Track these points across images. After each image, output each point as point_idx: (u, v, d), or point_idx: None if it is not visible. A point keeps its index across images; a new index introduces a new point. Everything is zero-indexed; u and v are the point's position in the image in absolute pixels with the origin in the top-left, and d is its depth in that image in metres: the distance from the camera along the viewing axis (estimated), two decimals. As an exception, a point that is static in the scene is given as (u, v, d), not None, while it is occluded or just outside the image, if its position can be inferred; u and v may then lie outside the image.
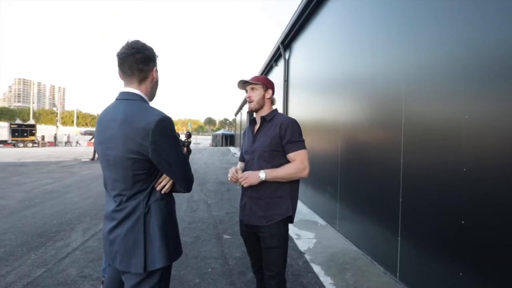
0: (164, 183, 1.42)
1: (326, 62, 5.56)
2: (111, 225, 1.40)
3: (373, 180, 3.67)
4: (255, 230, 2.02)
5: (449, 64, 2.49)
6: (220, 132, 54.71)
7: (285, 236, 1.98)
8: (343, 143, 4.62)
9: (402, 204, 3.03)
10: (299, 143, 1.95)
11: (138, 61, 1.41)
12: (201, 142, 57.80)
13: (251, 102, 2.07)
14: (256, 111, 2.10)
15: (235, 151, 28.87)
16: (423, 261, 2.72)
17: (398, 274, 3.07)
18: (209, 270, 3.32)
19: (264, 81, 2.08)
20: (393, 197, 3.15)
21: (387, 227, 3.29)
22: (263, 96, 2.08)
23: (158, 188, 1.41)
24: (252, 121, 2.21)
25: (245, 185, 1.92)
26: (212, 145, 48.54)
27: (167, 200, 1.46)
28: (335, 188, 4.82)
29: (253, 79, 2.07)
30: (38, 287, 2.85)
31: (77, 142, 37.74)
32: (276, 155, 1.96)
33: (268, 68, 11.34)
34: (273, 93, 2.14)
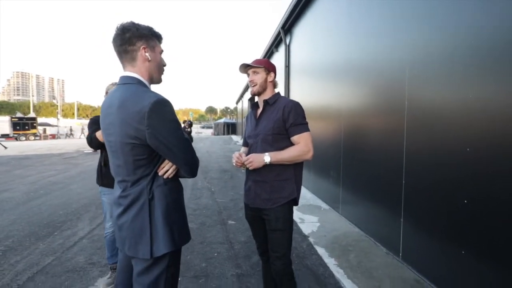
0: (166, 168, 1.38)
1: (329, 46, 5.49)
2: (119, 211, 1.41)
3: (376, 163, 3.67)
4: (260, 213, 2.03)
5: (452, 46, 2.45)
6: (222, 120, 54.48)
7: (290, 219, 2.00)
8: (346, 127, 4.60)
9: (405, 185, 3.04)
10: (302, 126, 1.94)
11: (122, 42, 1.37)
12: (202, 132, 57.67)
13: (254, 85, 2.06)
14: (259, 94, 2.08)
15: (237, 139, 28.87)
16: (426, 241, 2.75)
17: (401, 255, 3.11)
18: (215, 254, 3.37)
19: (266, 64, 2.05)
20: (396, 179, 3.16)
21: (390, 209, 3.31)
22: (266, 79, 2.05)
23: (160, 173, 1.38)
24: (254, 105, 2.19)
25: (250, 168, 1.92)
26: (214, 134, 48.49)
27: (172, 185, 1.42)
28: (338, 172, 4.84)
29: (255, 62, 2.04)
30: (47, 275, 2.91)
31: (71, 134, 36.63)
32: (280, 139, 1.96)
33: (269, 54, 11.21)
34: (275, 76, 2.12)
